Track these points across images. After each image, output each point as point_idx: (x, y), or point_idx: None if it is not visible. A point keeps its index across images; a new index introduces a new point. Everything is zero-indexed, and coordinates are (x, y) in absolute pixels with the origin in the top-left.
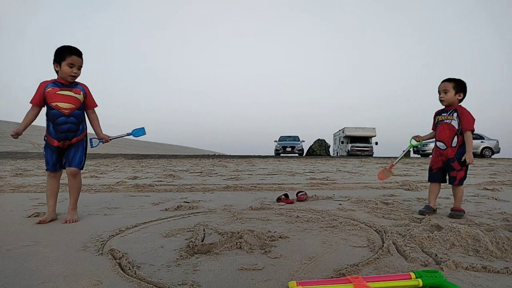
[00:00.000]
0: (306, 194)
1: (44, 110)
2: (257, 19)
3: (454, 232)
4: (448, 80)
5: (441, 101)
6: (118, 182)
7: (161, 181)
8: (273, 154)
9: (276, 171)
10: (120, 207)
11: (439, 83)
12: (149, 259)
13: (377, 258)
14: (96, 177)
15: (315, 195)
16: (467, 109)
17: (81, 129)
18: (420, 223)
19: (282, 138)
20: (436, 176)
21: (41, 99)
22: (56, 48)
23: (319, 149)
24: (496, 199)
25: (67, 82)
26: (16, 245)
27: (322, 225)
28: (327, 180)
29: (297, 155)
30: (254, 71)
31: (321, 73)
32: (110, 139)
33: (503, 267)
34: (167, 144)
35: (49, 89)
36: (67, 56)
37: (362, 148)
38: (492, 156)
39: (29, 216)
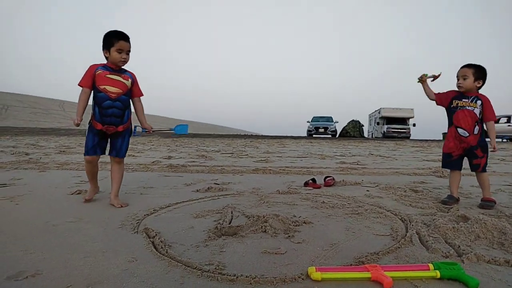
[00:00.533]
0: (334, 179)
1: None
2: None
3: (480, 224)
4: (468, 66)
5: (458, 87)
6: (153, 162)
7: (193, 161)
8: (305, 135)
9: (306, 153)
10: (155, 187)
11: (459, 69)
12: (180, 238)
13: (399, 248)
14: (133, 156)
15: (343, 180)
16: (488, 98)
17: (127, 116)
18: (447, 212)
19: (315, 119)
20: (457, 163)
21: (91, 81)
22: (104, 34)
23: (353, 130)
24: None
25: (117, 67)
26: (61, 220)
27: (347, 212)
28: (357, 164)
29: (330, 136)
30: (292, 49)
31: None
32: (153, 131)
33: None
34: (203, 123)
35: (100, 71)
36: (115, 41)
37: (399, 130)
38: None
39: (72, 194)
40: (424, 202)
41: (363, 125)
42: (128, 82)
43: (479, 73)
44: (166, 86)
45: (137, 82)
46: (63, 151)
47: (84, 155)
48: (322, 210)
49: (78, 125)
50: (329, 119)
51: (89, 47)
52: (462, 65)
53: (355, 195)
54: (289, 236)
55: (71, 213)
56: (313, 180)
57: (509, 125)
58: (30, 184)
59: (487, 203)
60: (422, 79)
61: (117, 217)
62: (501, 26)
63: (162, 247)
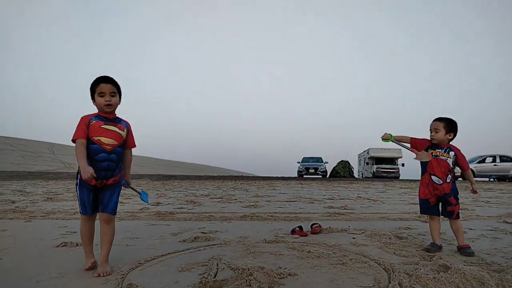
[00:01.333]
0: (320, 226)
1: None
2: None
3: (460, 274)
4: (440, 119)
5: (431, 139)
6: (141, 209)
7: (182, 207)
8: (295, 175)
9: (295, 197)
10: (141, 237)
11: (432, 121)
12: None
13: None
14: (121, 202)
15: (329, 227)
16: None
17: (119, 169)
18: (430, 261)
19: (305, 159)
20: (435, 209)
21: (86, 132)
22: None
23: (343, 170)
24: None
25: (110, 116)
26: (45, 276)
27: (332, 262)
28: (345, 209)
29: (320, 176)
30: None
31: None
32: (129, 187)
33: None
34: (193, 164)
35: (94, 122)
36: (95, 86)
37: (388, 170)
38: None
39: (57, 246)
40: (408, 249)
41: (353, 168)
42: (124, 133)
43: (450, 126)
44: (156, 124)
45: (131, 132)
46: (50, 198)
47: (82, 213)
48: (308, 261)
49: (94, 175)
50: (319, 159)
51: (81, 87)
52: (435, 118)
53: (341, 243)
54: None
55: (56, 268)
56: (300, 227)
57: (495, 165)
58: (15, 236)
59: (467, 250)
60: (385, 139)
61: None
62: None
63: None
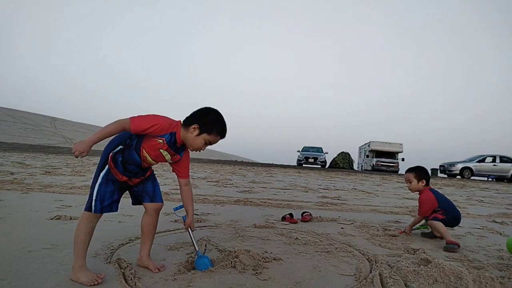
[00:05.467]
0: (310, 214)
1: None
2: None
3: (439, 268)
4: (409, 170)
5: (409, 189)
6: None
7: (177, 189)
8: (295, 163)
9: (291, 185)
10: (133, 215)
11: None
12: (150, 271)
13: None
14: None
15: (320, 216)
16: (427, 195)
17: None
18: (413, 254)
19: (305, 149)
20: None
21: (142, 133)
22: (207, 108)
23: (342, 162)
24: (501, 234)
25: (181, 145)
26: (38, 247)
27: (318, 249)
28: (338, 199)
29: (319, 166)
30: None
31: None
32: (188, 231)
33: None
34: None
35: (160, 141)
36: (214, 133)
37: (388, 164)
38: None
39: (51, 219)
40: (393, 242)
41: (353, 160)
42: (169, 158)
43: (419, 174)
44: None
45: (186, 162)
46: (49, 172)
47: (94, 211)
48: (294, 247)
49: (78, 156)
50: (319, 149)
51: (86, 62)
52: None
53: (329, 232)
54: (256, 273)
55: (48, 239)
56: (291, 214)
57: (494, 165)
58: (11, 207)
59: (450, 246)
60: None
61: (92, 245)
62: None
63: (131, 279)
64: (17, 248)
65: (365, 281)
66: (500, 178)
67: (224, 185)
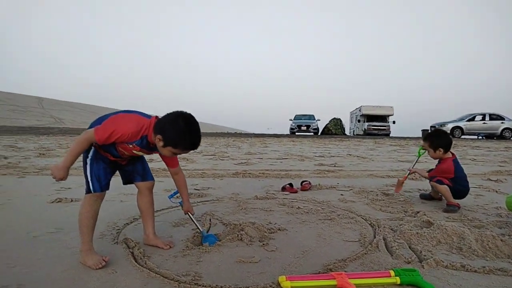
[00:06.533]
0: (310, 183)
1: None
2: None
3: (441, 229)
4: (424, 139)
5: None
6: None
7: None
8: (288, 132)
9: (286, 154)
10: (134, 193)
11: None
12: (159, 249)
13: (365, 254)
14: None
15: (319, 184)
16: (448, 166)
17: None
18: (414, 217)
19: (298, 117)
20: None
21: (110, 141)
22: (176, 116)
23: (335, 128)
24: (497, 191)
25: (152, 145)
26: (42, 231)
27: (321, 217)
28: (334, 166)
29: (312, 134)
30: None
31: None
32: (188, 214)
33: (480, 266)
34: None
35: (131, 146)
36: (180, 148)
37: (379, 127)
38: None
39: (52, 202)
40: (394, 206)
41: (344, 126)
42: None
43: (433, 143)
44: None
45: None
46: (43, 154)
47: (95, 190)
48: (297, 216)
49: (61, 180)
50: (311, 117)
51: (68, 37)
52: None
53: (329, 199)
54: (263, 244)
55: (51, 223)
56: (290, 184)
57: (484, 123)
58: (9, 192)
59: (450, 207)
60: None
61: (98, 227)
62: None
63: (141, 258)
64: (22, 234)
65: (370, 246)
66: (490, 136)
67: (221, 158)
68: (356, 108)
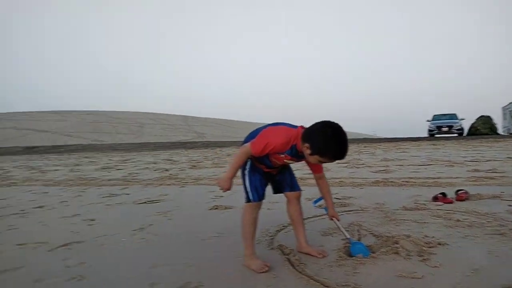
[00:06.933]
0: (467, 192)
1: None
2: None
3: None
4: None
5: None
6: None
7: (310, 173)
8: (425, 135)
9: (430, 160)
10: (279, 201)
11: None
12: (313, 257)
13: None
14: None
15: (478, 193)
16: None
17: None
18: None
19: (436, 117)
20: None
21: (264, 153)
22: (325, 126)
23: (483, 127)
24: None
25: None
26: (207, 235)
27: (487, 232)
28: (493, 172)
29: (455, 135)
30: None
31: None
32: (333, 220)
33: None
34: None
35: (282, 155)
36: (327, 156)
37: None
38: None
39: (210, 209)
40: None
41: (496, 123)
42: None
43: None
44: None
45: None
46: (194, 166)
47: (253, 200)
48: (458, 230)
49: (227, 190)
50: (453, 116)
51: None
52: None
53: (495, 211)
54: (423, 259)
55: (214, 228)
56: (443, 194)
57: None
58: (175, 200)
59: None
60: None
61: None
62: None
63: (298, 265)
64: (192, 237)
65: None
66: None
67: (356, 166)
68: (510, 103)
